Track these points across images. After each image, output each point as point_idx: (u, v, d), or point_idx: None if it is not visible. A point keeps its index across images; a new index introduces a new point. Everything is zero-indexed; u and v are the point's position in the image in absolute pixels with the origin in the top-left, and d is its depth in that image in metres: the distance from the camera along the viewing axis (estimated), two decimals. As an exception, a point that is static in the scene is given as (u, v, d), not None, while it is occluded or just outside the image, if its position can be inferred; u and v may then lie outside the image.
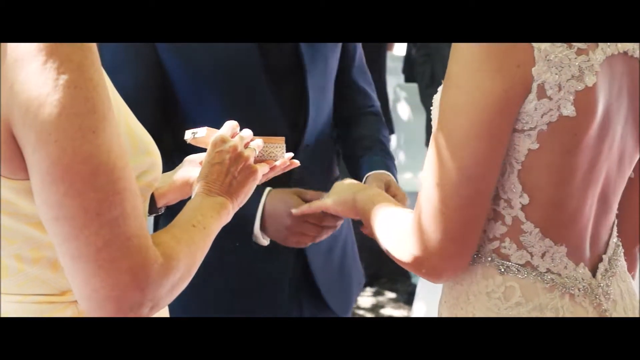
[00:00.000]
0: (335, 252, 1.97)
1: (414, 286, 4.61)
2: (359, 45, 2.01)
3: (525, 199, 1.20)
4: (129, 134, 1.13)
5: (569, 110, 1.15)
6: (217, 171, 1.33)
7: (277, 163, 1.51)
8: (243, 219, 1.71)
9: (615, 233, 1.35)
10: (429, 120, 5.17)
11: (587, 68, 1.15)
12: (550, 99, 1.14)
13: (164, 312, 1.28)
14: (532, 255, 1.23)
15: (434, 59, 4.62)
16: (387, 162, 1.92)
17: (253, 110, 1.52)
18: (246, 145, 1.41)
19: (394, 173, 1.91)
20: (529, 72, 1.13)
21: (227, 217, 1.31)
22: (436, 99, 1.30)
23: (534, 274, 1.23)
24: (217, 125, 1.46)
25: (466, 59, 1.14)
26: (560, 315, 1.22)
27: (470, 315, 1.26)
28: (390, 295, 4.84)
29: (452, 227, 1.18)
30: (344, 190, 1.57)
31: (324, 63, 1.86)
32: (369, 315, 4.53)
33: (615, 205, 1.32)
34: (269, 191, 1.75)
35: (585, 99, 1.16)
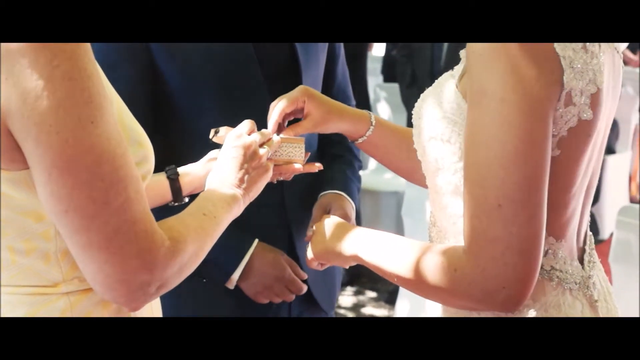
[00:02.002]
0: None
1: (395, 285, 4.62)
2: (342, 45, 2.03)
3: None
4: (120, 125, 1.13)
5: (587, 114, 1.16)
6: (232, 166, 1.37)
7: (297, 166, 1.52)
8: (220, 262, 1.76)
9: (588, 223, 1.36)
10: (409, 119, 5.16)
11: (597, 70, 1.17)
12: (575, 105, 1.15)
13: (157, 312, 1.30)
14: None
15: (415, 59, 4.63)
16: (345, 178, 1.93)
17: (248, 109, 1.54)
18: (262, 145, 1.44)
19: (350, 188, 1.91)
20: (561, 80, 1.14)
21: (237, 210, 1.34)
22: (420, 107, 1.30)
23: (540, 273, 1.21)
24: (213, 124, 1.49)
25: (503, 72, 1.11)
26: (562, 311, 1.22)
27: None
28: (371, 294, 4.85)
29: (525, 244, 1.12)
30: (324, 240, 1.47)
31: (317, 61, 1.88)
32: (350, 314, 4.55)
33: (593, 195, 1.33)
34: (257, 244, 1.80)
35: (597, 100, 1.17)
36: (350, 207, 1.86)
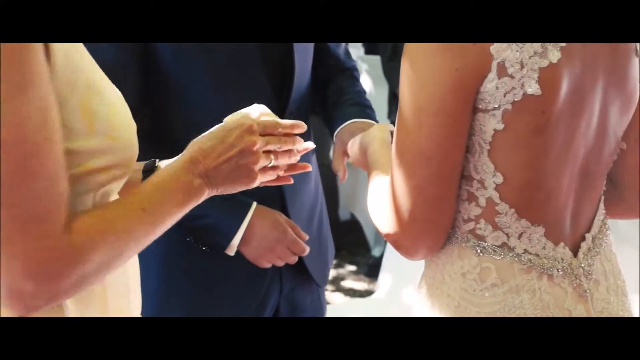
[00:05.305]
0: (314, 222, 1.99)
1: (374, 258, 4.64)
2: None
3: (499, 178, 1.19)
4: (82, 113, 1.04)
5: (533, 89, 1.13)
6: (220, 150, 1.18)
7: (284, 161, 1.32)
8: (219, 227, 1.74)
9: (602, 210, 1.34)
10: (391, 92, 5.16)
11: (550, 44, 1.14)
12: (512, 77, 1.13)
13: (135, 293, 1.25)
14: (508, 236, 1.22)
15: (396, 32, 4.61)
16: (365, 109, 1.94)
17: (240, 75, 1.51)
18: (268, 151, 1.24)
19: (373, 118, 1.92)
20: (486, 50, 1.12)
21: (195, 202, 1.17)
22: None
23: (510, 254, 1.22)
24: (205, 93, 1.48)
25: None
26: (537, 296, 1.21)
27: (445, 296, 1.25)
28: (351, 267, 4.87)
29: (415, 207, 1.19)
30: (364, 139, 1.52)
31: None
32: (330, 287, 4.55)
33: (600, 181, 1.30)
34: (255, 207, 1.77)
35: (550, 76, 1.14)
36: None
